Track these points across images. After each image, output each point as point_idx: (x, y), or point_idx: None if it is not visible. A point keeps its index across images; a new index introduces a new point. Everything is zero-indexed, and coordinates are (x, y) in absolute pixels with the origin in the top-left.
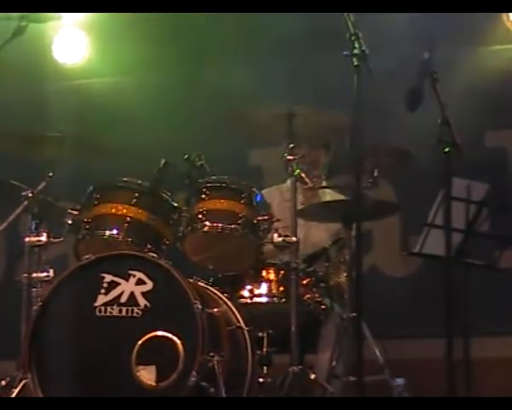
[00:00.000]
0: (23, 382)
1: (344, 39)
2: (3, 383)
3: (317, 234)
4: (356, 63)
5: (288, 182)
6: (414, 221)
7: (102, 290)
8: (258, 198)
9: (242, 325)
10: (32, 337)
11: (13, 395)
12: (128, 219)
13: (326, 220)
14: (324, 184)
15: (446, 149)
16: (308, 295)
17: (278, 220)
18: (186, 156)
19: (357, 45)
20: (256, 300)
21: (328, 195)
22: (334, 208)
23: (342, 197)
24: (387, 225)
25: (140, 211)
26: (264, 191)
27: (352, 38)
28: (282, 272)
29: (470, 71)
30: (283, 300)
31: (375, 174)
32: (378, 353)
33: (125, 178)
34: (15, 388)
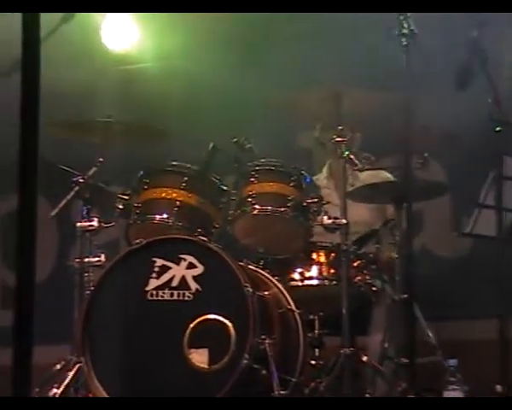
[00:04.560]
0: (77, 365)
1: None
2: (58, 366)
3: (358, 211)
4: (405, 43)
5: (324, 170)
6: (465, 201)
7: (154, 275)
8: (308, 180)
9: (293, 307)
10: (84, 322)
11: (68, 379)
12: (178, 203)
13: (376, 202)
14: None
15: (497, 128)
16: (359, 277)
17: (328, 203)
18: (235, 140)
19: (405, 25)
20: (307, 282)
21: (378, 176)
22: (384, 190)
23: (392, 178)
24: (438, 206)
25: (189, 195)
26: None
27: (401, 17)
28: (333, 254)
29: None
30: (334, 282)
31: (425, 154)
32: (430, 334)
33: (174, 162)
34: (70, 371)
